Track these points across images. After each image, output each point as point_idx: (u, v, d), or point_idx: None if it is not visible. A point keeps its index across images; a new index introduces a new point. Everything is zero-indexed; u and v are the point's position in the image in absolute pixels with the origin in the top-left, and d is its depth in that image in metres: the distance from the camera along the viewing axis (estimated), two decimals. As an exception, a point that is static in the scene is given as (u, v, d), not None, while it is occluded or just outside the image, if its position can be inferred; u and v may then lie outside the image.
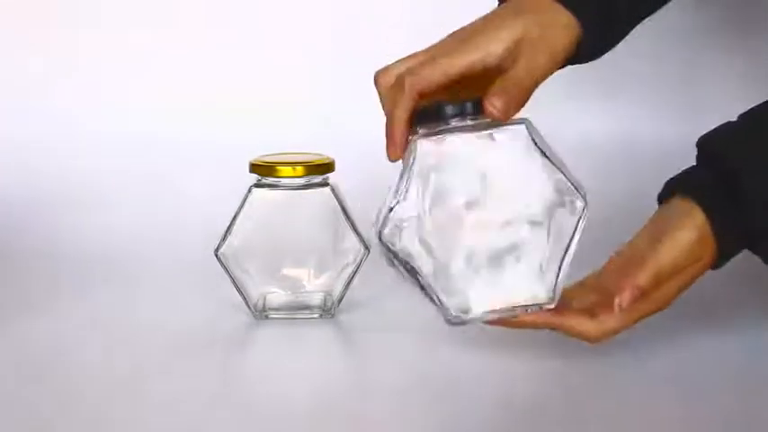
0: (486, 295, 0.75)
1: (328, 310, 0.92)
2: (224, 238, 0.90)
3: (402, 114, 0.77)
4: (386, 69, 0.82)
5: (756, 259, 0.80)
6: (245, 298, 0.91)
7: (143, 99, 1.26)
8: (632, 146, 1.22)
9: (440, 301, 0.76)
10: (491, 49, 0.78)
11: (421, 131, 0.77)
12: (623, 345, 0.80)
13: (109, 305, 0.96)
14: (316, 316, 0.92)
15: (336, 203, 0.90)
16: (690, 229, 0.77)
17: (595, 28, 0.82)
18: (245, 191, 0.90)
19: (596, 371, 0.80)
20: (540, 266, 0.75)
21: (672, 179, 0.81)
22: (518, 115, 0.77)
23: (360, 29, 1.26)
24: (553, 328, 0.78)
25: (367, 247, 0.90)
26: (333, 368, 0.84)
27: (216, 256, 0.90)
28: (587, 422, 0.73)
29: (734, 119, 0.82)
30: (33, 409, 0.75)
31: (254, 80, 1.26)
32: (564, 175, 0.75)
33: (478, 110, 0.75)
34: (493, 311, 0.76)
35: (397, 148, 0.77)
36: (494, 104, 0.75)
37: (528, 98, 0.77)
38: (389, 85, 0.80)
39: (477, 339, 0.85)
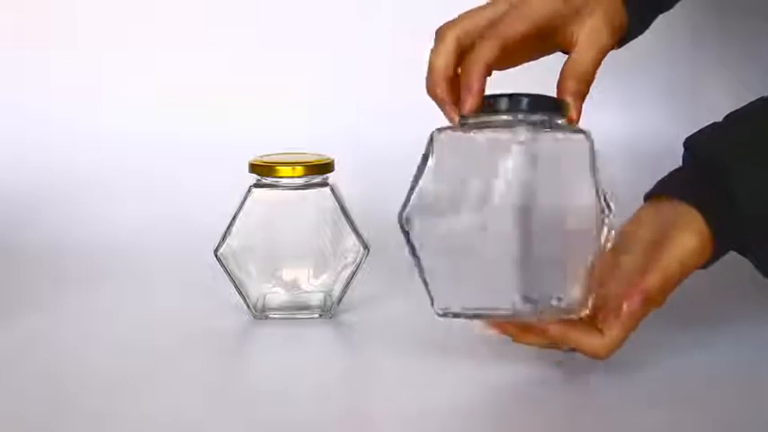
0: (504, 297, 0.73)
1: (328, 310, 0.92)
2: (224, 238, 0.90)
3: (483, 60, 0.76)
4: (453, 23, 0.81)
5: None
6: (244, 298, 0.91)
7: (143, 98, 1.26)
8: (633, 146, 1.22)
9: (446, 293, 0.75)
10: (535, 15, 0.78)
11: (471, 121, 0.76)
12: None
13: (108, 305, 0.96)
14: (315, 316, 0.92)
15: (336, 203, 0.90)
16: (693, 233, 0.77)
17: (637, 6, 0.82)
18: (245, 191, 0.90)
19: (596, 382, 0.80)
20: (565, 276, 0.73)
21: (663, 180, 0.81)
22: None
23: (360, 29, 1.26)
24: (560, 341, 0.76)
25: (367, 247, 0.90)
26: (333, 368, 0.84)
27: (215, 255, 0.90)
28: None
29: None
30: (37, 403, 0.76)
31: (254, 80, 1.26)
32: (599, 190, 0.72)
33: (534, 107, 0.74)
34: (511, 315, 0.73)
35: (474, 96, 0.75)
36: (568, 88, 0.77)
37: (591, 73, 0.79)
38: (458, 37, 0.79)
39: (477, 340, 0.85)
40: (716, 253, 0.78)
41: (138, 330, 0.90)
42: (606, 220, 0.72)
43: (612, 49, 0.82)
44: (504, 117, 0.74)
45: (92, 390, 0.78)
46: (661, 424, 0.73)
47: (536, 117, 0.74)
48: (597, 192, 0.72)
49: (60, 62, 1.27)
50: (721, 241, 0.78)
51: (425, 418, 0.74)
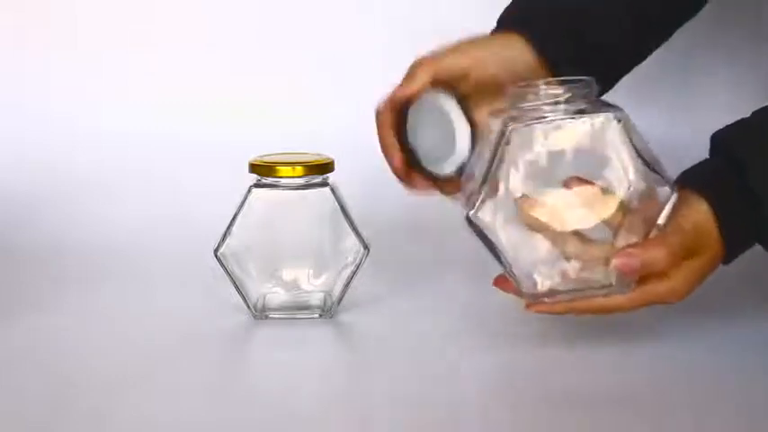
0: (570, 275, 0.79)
1: (328, 310, 0.92)
2: (224, 238, 0.90)
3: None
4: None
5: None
6: (244, 298, 0.91)
7: (143, 98, 1.26)
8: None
9: (516, 278, 0.79)
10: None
11: (513, 113, 0.78)
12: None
13: (108, 305, 0.96)
14: (315, 316, 0.92)
15: (336, 203, 0.90)
16: (693, 216, 0.79)
17: (555, 50, 0.86)
18: (245, 191, 0.90)
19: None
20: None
21: (682, 172, 0.82)
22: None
23: (360, 29, 1.26)
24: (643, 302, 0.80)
25: (367, 247, 0.90)
26: (332, 368, 0.84)
27: (215, 255, 0.90)
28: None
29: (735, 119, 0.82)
30: (37, 403, 0.76)
31: (255, 80, 1.26)
32: (649, 162, 0.76)
33: (572, 93, 0.77)
34: (579, 290, 0.79)
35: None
36: None
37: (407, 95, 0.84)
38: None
39: (476, 339, 0.86)
40: (728, 244, 0.79)
41: (138, 330, 0.90)
42: (662, 192, 0.77)
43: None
44: (547, 107, 0.77)
45: (92, 390, 0.78)
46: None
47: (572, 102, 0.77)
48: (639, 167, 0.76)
49: (60, 62, 1.27)
50: (733, 230, 0.79)
51: (425, 418, 0.74)
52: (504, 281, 0.81)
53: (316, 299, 0.92)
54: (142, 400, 0.76)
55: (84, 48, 1.26)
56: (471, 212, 0.77)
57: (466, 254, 0.90)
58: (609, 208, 0.78)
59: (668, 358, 0.83)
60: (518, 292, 0.80)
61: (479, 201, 0.77)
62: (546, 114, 0.77)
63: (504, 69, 0.85)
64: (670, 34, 0.93)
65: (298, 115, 1.24)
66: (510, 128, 0.77)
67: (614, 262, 0.77)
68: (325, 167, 0.91)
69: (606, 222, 0.78)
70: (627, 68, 0.92)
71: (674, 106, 1.25)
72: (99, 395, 0.77)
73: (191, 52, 1.26)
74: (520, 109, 0.78)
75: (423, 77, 0.85)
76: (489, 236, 0.78)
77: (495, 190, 0.77)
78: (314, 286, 0.91)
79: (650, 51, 0.93)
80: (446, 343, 0.86)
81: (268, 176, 0.90)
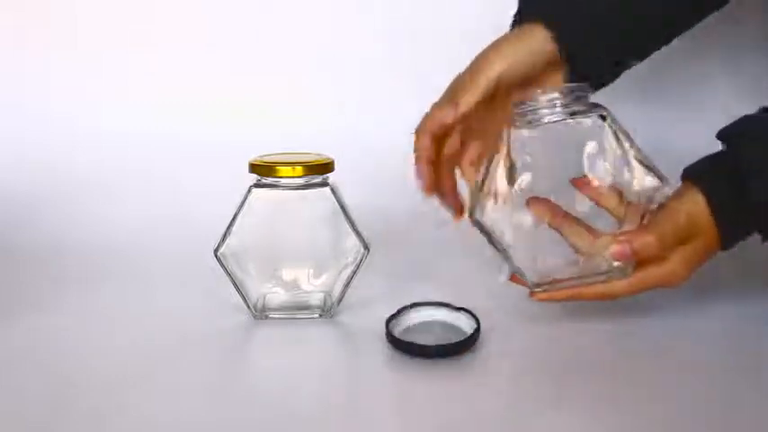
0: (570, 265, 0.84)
1: (328, 310, 0.92)
2: (224, 238, 0.90)
3: (420, 153, 0.88)
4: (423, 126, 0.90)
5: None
6: (244, 298, 0.91)
7: (143, 98, 1.26)
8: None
9: (520, 269, 0.85)
10: (491, 77, 0.87)
11: (513, 117, 0.84)
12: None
13: (108, 305, 0.96)
14: (315, 316, 0.92)
15: (336, 203, 0.90)
16: (686, 203, 0.84)
17: (576, 37, 0.88)
18: (245, 191, 0.90)
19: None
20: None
21: (685, 167, 0.86)
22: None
23: (360, 29, 1.26)
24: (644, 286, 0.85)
25: (367, 247, 0.90)
26: (332, 368, 0.84)
27: (215, 256, 0.90)
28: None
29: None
30: (37, 403, 0.76)
31: (255, 80, 1.26)
32: (641, 159, 0.82)
33: (568, 97, 0.82)
34: (580, 277, 0.85)
35: (424, 182, 0.88)
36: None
37: (466, 109, 0.86)
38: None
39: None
40: (723, 230, 0.83)
41: (138, 330, 0.90)
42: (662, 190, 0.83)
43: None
44: (545, 111, 0.83)
45: (92, 390, 0.78)
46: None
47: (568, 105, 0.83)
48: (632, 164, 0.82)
49: (60, 62, 1.27)
50: (727, 218, 0.83)
51: (425, 418, 0.74)
52: (516, 276, 0.86)
53: (316, 299, 0.92)
54: (142, 400, 0.76)
55: (84, 48, 1.26)
56: (474, 211, 0.83)
57: (466, 253, 0.90)
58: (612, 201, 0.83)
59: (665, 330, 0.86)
60: (525, 283, 0.85)
61: (482, 200, 0.83)
62: (543, 117, 0.82)
63: (532, 65, 0.89)
64: (690, 25, 0.95)
65: (298, 115, 1.24)
66: (508, 130, 0.83)
67: (610, 249, 0.82)
68: (325, 167, 0.91)
69: (611, 214, 0.84)
70: (645, 51, 0.94)
71: (681, 107, 1.25)
72: (99, 395, 0.77)
73: (191, 52, 1.26)
74: (519, 113, 0.83)
75: (468, 101, 0.88)
76: (491, 233, 0.83)
77: (496, 188, 0.83)
78: (314, 286, 0.91)
79: (663, 42, 0.95)
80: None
81: (268, 176, 0.90)
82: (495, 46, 0.89)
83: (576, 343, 0.86)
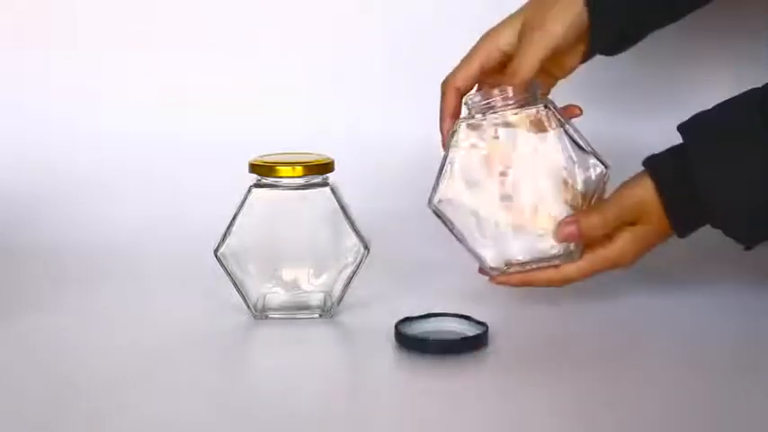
0: (523, 248, 0.88)
1: (328, 310, 0.92)
2: (224, 238, 0.90)
3: (444, 111, 0.91)
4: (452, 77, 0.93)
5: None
6: (244, 298, 0.91)
7: (143, 98, 1.26)
8: (629, 145, 1.22)
9: (478, 255, 0.89)
10: (500, 40, 0.91)
11: (467, 115, 0.89)
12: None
13: (108, 305, 0.96)
14: (315, 316, 0.92)
15: (336, 203, 0.90)
16: (635, 187, 0.87)
17: (606, 12, 0.90)
18: (245, 191, 0.90)
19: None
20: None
21: (646, 157, 0.89)
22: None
23: (360, 29, 1.26)
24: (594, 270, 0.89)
25: (367, 247, 0.90)
26: (333, 368, 0.84)
27: (215, 256, 0.90)
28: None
29: None
30: (37, 403, 0.76)
31: (255, 80, 1.26)
32: (581, 144, 0.87)
33: (517, 92, 0.88)
34: (530, 261, 0.89)
35: (443, 138, 0.91)
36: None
37: (528, 73, 0.88)
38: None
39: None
40: (672, 218, 0.86)
41: (138, 330, 0.90)
42: (596, 170, 0.87)
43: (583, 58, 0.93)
44: (497, 106, 0.88)
45: (92, 390, 0.78)
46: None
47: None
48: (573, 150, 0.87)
49: (60, 62, 1.27)
50: (677, 208, 0.86)
51: (425, 418, 0.74)
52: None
53: (316, 299, 0.92)
54: (142, 400, 0.76)
55: (84, 48, 1.26)
56: (432, 200, 0.88)
57: (465, 253, 0.90)
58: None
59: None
60: (485, 271, 0.90)
61: (438, 189, 0.88)
62: (495, 110, 0.88)
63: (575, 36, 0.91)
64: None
65: (298, 115, 1.24)
66: (461, 122, 0.88)
67: (557, 232, 0.87)
68: (325, 167, 0.90)
69: (569, 206, 0.87)
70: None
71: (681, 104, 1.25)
72: (99, 395, 0.77)
73: (191, 52, 1.26)
74: (473, 107, 0.89)
75: (477, 59, 0.92)
76: (449, 220, 0.88)
77: (451, 178, 0.88)
78: (314, 286, 0.91)
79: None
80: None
81: (268, 176, 0.90)
82: (545, 10, 0.90)
83: (587, 343, 0.86)
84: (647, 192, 0.86)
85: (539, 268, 0.89)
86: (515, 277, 0.89)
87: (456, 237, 0.89)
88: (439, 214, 0.88)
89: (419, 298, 0.93)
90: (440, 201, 0.88)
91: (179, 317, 0.92)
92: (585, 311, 0.92)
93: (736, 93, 0.87)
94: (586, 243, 0.88)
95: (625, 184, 0.88)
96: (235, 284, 0.91)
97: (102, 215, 1.16)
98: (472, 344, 0.83)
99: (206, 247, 0.90)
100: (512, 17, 0.92)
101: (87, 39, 1.26)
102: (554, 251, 0.88)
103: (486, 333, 0.84)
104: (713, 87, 1.25)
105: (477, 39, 0.93)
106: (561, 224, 0.87)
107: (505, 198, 0.88)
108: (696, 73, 1.26)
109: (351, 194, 0.92)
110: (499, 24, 0.93)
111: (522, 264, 0.89)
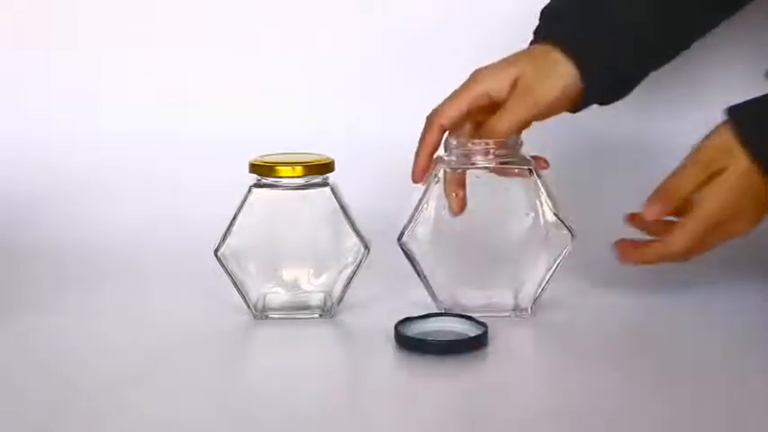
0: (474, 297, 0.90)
1: (328, 310, 0.92)
2: (224, 238, 0.90)
3: (423, 145, 0.91)
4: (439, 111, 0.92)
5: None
6: (244, 298, 0.91)
7: (143, 98, 1.26)
8: (626, 144, 1.22)
9: (434, 295, 0.91)
10: (491, 86, 0.90)
11: (447, 159, 0.90)
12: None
13: (108, 305, 0.96)
14: (315, 316, 0.92)
15: (336, 203, 0.90)
16: (711, 137, 0.87)
17: (600, 76, 0.91)
18: (245, 191, 0.90)
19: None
20: (521, 281, 0.90)
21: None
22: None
23: (360, 29, 1.26)
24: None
25: (367, 247, 0.90)
26: (332, 368, 0.84)
27: (216, 256, 0.90)
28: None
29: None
30: (37, 403, 0.76)
31: (255, 80, 1.26)
32: (555, 211, 0.88)
33: (500, 145, 0.89)
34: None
35: (418, 172, 0.91)
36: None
37: (508, 134, 0.89)
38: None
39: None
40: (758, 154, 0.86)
41: (138, 330, 0.90)
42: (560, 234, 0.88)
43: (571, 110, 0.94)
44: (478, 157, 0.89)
45: (92, 390, 0.78)
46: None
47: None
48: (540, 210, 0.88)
49: (60, 62, 1.27)
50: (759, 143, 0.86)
51: (425, 418, 0.74)
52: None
53: (316, 299, 0.92)
54: (142, 400, 0.76)
55: (84, 48, 1.26)
56: (402, 238, 0.89)
57: (466, 252, 0.90)
58: None
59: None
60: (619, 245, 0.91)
61: (409, 228, 0.89)
62: (476, 161, 0.88)
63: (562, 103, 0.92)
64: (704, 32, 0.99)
65: (298, 115, 1.24)
66: (440, 168, 0.89)
67: (645, 210, 0.87)
68: (325, 167, 0.91)
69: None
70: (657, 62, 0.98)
71: (683, 100, 1.25)
72: (99, 395, 0.77)
73: (191, 52, 1.26)
74: (455, 154, 0.89)
75: (466, 98, 0.91)
76: (414, 258, 0.90)
77: (424, 220, 0.89)
78: (314, 286, 0.91)
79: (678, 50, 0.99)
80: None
81: (268, 176, 0.90)
82: (537, 77, 0.90)
83: (590, 342, 0.86)
84: (725, 134, 0.86)
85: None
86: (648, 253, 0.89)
87: (418, 275, 0.90)
88: (404, 250, 0.89)
89: (419, 298, 0.93)
90: (409, 238, 0.89)
91: (179, 317, 0.93)
92: (586, 311, 0.92)
93: (755, 90, 0.88)
94: (678, 209, 0.88)
95: (700, 141, 0.88)
96: (235, 284, 0.91)
97: (102, 215, 1.16)
98: (472, 344, 0.83)
99: (206, 247, 0.90)
100: (507, 63, 0.91)
101: (87, 39, 1.26)
102: (509, 305, 0.90)
103: (486, 333, 0.84)
104: (730, 85, 1.25)
105: (466, 77, 0.92)
106: (647, 204, 0.87)
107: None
108: (712, 70, 1.26)
109: (351, 194, 0.92)
110: (492, 67, 0.91)
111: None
